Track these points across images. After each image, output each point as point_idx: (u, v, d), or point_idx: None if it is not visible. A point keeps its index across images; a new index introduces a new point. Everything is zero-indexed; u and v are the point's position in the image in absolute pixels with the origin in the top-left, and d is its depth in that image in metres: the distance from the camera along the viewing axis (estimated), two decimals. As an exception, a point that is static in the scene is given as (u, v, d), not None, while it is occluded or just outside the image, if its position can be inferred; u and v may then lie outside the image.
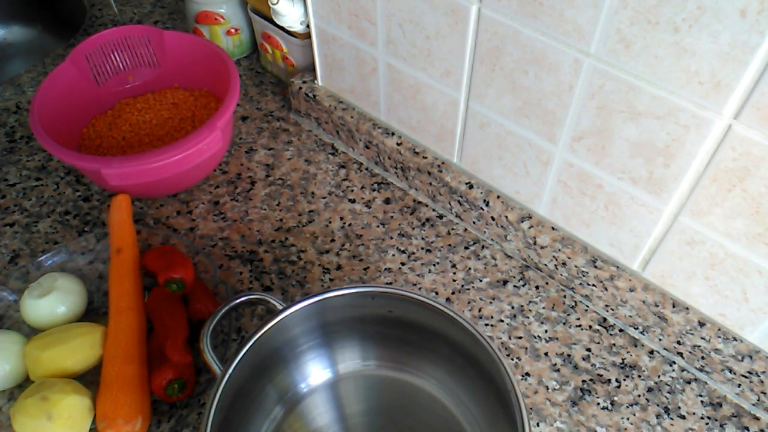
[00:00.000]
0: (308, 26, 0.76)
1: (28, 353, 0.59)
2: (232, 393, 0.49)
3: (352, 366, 0.59)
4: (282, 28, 0.81)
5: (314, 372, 0.58)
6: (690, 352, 0.61)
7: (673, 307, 0.60)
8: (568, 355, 0.63)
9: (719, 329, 0.58)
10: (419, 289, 0.68)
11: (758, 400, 0.58)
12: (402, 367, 0.58)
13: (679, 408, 0.59)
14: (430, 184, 0.73)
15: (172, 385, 0.56)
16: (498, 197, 0.69)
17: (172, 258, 0.64)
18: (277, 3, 0.72)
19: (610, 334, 0.64)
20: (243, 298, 0.54)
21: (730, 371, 0.58)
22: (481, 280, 0.68)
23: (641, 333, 0.64)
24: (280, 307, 0.52)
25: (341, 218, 0.74)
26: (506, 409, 0.48)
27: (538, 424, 0.58)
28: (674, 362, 0.62)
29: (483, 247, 0.71)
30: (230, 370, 0.48)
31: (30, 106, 0.71)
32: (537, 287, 0.68)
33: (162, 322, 0.61)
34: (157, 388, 0.56)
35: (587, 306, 0.66)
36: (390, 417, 0.57)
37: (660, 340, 0.62)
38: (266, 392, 0.55)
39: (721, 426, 0.58)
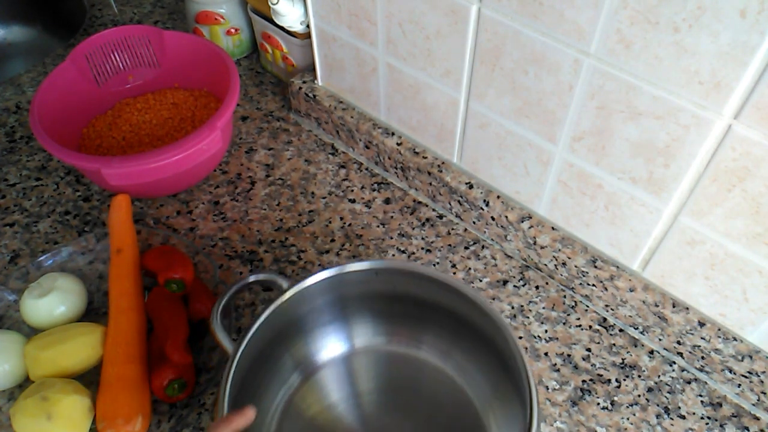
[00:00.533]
0: (308, 26, 0.76)
1: (28, 353, 0.59)
2: (249, 359, 0.51)
3: (360, 342, 0.60)
4: (282, 28, 0.81)
5: (328, 345, 0.60)
6: (690, 352, 0.61)
7: (673, 307, 0.60)
8: (568, 355, 0.63)
9: (719, 329, 0.58)
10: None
11: (758, 400, 0.58)
12: (409, 342, 0.60)
13: (679, 408, 0.59)
14: (430, 184, 0.73)
15: (172, 385, 0.56)
16: (498, 197, 0.69)
17: (172, 258, 0.64)
18: (277, 3, 0.72)
19: (610, 334, 0.64)
20: (252, 278, 0.55)
21: (730, 371, 0.58)
22: (481, 280, 0.68)
23: (641, 333, 0.64)
24: (286, 287, 0.53)
25: (341, 218, 0.74)
26: (510, 374, 0.50)
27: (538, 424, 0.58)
28: (674, 362, 0.62)
29: (483, 247, 0.71)
30: (241, 348, 0.49)
31: (30, 106, 0.71)
32: (537, 287, 0.68)
33: (162, 322, 0.61)
34: (157, 388, 0.56)
35: (587, 306, 0.66)
36: (399, 391, 0.58)
37: (660, 340, 0.62)
38: (283, 361, 0.57)
39: (721, 426, 0.58)
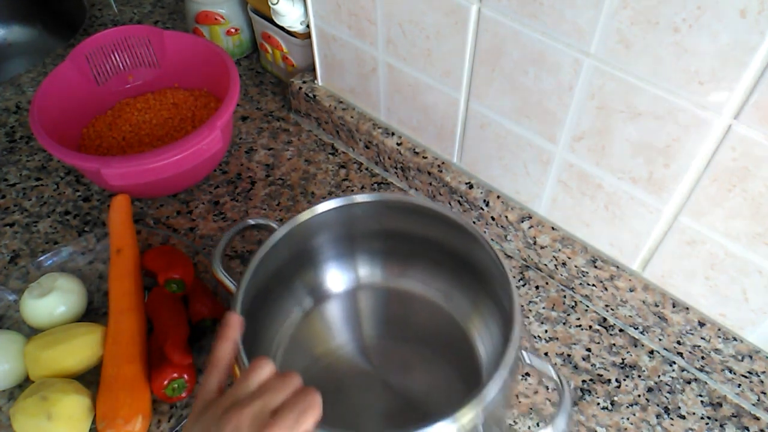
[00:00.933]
0: (308, 26, 0.76)
1: (28, 353, 0.59)
2: (253, 293, 0.53)
3: (361, 277, 0.64)
4: (282, 28, 0.81)
5: (330, 280, 0.64)
6: (690, 352, 0.61)
7: (673, 307, 0.60)
8: (568, 355, 0.63)
9: (719, 329, 0.58)
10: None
11: (758, 400, 0.58)
12: (400, 276, 0.64)
13: (679, 408, 0.59)
14: (430, 184, 0.73)
15: (171, 385, 0.56)
16: (498, 197, 0.69)
17: (172, 258, 0.64)
18: (277, 3, 0.72)
19: (610, 334, 0.64)
20: (252, 222, 0.59)
21: (730, 371, 0.58)
22: (481, 280, 0.68)
23: (641, 333, 0.64)
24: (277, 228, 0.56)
25: (341, 218, 0.74)
26: (488, 286, 0.55)
27: (537, 424, 0.58)
28: (674, 362, 0.62)
29: (483, 247, 0.71)
30: (247, 279, 0.51)
31: (30, 106, 0.71)
32: (537, 287, 0.68)
33: (162, 322, 0.61)
34: (157, 388, 0.56)
35: (587, 306, 0.66)
36: (394, 321, 0.63)
37: (660, 340, 0.62)
38: (296, 287, 0.61)
39: (721, 426, 0.58)
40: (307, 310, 0.62)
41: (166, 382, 0.56)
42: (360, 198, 0.57)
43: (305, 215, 0.55)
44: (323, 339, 0.61)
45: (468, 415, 0.42)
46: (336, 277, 0.64)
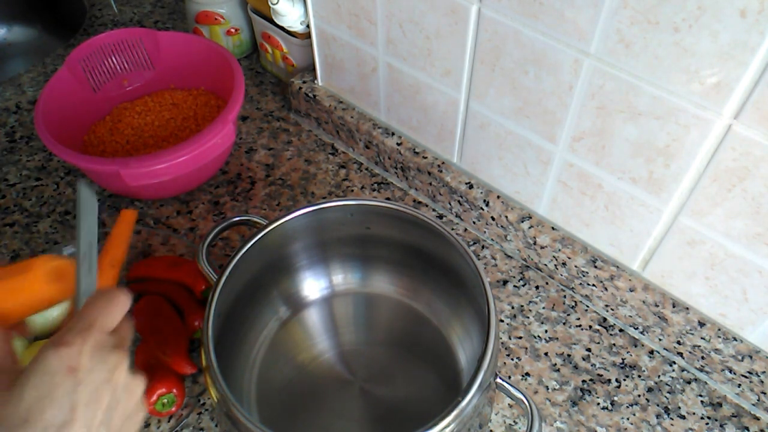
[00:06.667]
0: (308, 26, 0.76)
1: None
2: (234, 293, 0.53)
3: (337, 284, 0.64)
4: (282, 28, 0.81)
5: (309, 287, 0.63)
6: (690, 352, 0.61)
7: (673, 307, 0.60)
8: (568, 355, 0.63)
9: (719, 329, 0.58)
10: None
11: (758, 400, 0.58)
12: (381, 282, 0.64)
13: (679, 408, 0.59)
14: (430, 184, 0.73)
15: (161, 400, 0.56)
16: (498, 197, 0.69)
17: (190, 266, 0.64)
18: (277, 3, 0.72)
19: (610, 334, 0.64)
20: (237, 219, 0.60)
21: (730, 371, 0.58)
22: (481, 280, 0.68)
23: (641, 333, 0.64)
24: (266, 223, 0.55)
25: (341, 218, 0.74)
26: (466, 290, 0.54)
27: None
28: (674, 362, 0.62)
29: (483, 247, 0.71)
30: (226, 273, 0.51)
31: (34, 117, 0.69)
32: (537, 287, 0.68)
33: (160, 330, 0.60)
34: (146, 403, 0.56)
35: (587, 306, 0.66)
36: (374, 327, 0.63)
37: (660, 340, 0.62)
38: (273, 295, 0.61)
39: (721, 426, 0.58)
40: (284, 318, 0.62)
41: (155, 398, 0.56)
42: (333, 203, 0.56)
43: (275, 223, 0.54)
44: (302, 347, 0.61)
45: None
46: (312, 285, 0.63)
